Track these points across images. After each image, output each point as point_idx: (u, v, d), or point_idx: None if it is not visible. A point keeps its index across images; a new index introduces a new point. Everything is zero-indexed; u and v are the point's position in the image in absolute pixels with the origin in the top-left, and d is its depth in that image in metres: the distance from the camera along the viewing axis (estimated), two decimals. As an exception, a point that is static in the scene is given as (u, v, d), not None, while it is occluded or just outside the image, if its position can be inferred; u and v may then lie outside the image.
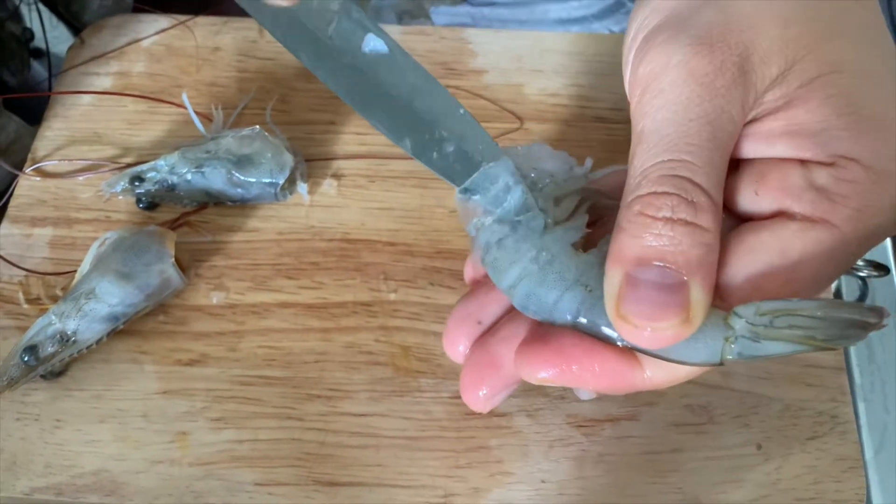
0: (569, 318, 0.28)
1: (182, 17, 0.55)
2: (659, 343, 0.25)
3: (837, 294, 0.49)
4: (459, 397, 0.42)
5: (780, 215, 0.27)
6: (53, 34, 0.56)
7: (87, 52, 0.54)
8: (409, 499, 0.40)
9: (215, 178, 0.46)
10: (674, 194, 0.25)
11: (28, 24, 0.56)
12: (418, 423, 0.42)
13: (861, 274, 0.48)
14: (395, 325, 0.45)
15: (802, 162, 0.26)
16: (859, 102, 0.25)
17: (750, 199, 0.28)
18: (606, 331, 0.27)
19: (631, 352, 0.27)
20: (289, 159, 0.46)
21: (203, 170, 0.46)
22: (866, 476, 0.41)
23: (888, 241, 0.49)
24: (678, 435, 0.42)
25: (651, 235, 0.25)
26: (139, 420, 0.42)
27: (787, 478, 0.41)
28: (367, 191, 0.49)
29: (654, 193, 0.25)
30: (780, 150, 0.27)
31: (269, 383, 0.43)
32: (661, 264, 0.25)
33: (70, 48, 0.55)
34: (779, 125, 0.27)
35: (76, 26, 0.57)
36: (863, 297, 0.48)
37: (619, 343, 0.27)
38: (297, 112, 0.52)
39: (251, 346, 0.44)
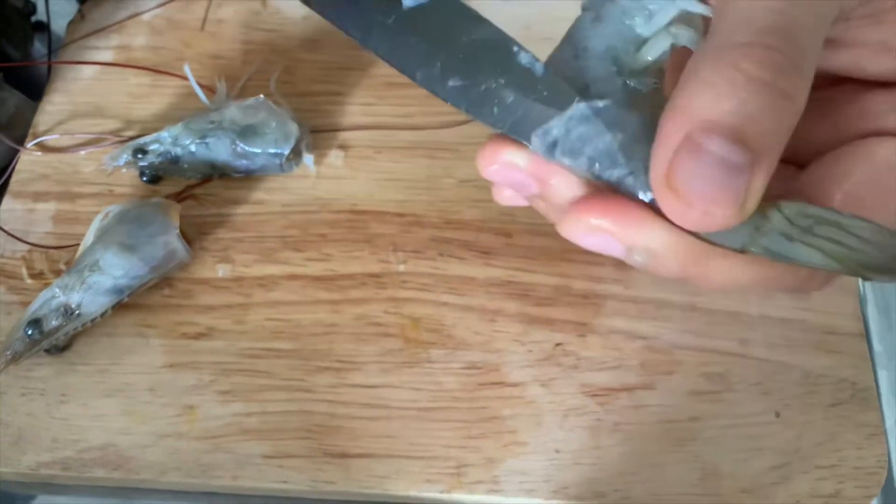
0: (590, 163, 0.24)
1: (184, -10, 0.54)
2: (703, 226, 0.21)
3: None
4: (471, 368, 0.41)
5: (874, 134, 0.24)
6: (55, 8, 0.55)
7: (87, 26, 0.53)
8: (421, 470, 0.39)
9: (219, 149, 0.45)
10: (782, 52, 0.21)
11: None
12: (430, 394, 0.41)
13: None
14: (404, 297, 0.44)
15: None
16: None
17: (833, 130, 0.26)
18: (637, 186, 0.23)
19: None
20: (294, 129, 0.45)
21: (207, 140, 0.45)
22: (887, 444, 0.40)
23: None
24: (696, 403, 0.41)
25: (738, 98, 0.21)
26: (146, 394, 0.41)
27: (807, 445, 0.40)
28: (374, 162, 0.48)
29: (760, 45, 0.21)
30: (873, 65, 0.25)
31: (277, 356, 0.42)
32: (735, 139, 0.21)
33: (70, 23, 0.54)
34: (872, 38, 0.24)
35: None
36: None
37: (645, 199, 0.23)
38: (301, 83, 0.51)
39: (259, 319, 0.43)
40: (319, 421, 0.41)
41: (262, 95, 0.46)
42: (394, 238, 0.45)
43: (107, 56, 0.52)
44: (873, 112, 0.24)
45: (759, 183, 0.21)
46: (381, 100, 0.50)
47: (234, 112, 0.46)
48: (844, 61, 0.25)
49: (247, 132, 0.45)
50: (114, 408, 0.41)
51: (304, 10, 0.53)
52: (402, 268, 0.45)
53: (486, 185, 0.29)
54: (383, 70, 0.50)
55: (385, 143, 0.48)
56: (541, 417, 0.41)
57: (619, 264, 0.44)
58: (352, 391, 0.41)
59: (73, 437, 0.40)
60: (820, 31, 0.22)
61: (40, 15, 0.56)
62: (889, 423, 0.43)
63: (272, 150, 0.45)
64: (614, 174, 0.24)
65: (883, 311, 0.46)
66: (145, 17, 0.54)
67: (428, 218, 0.46)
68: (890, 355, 0.45)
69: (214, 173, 0.46)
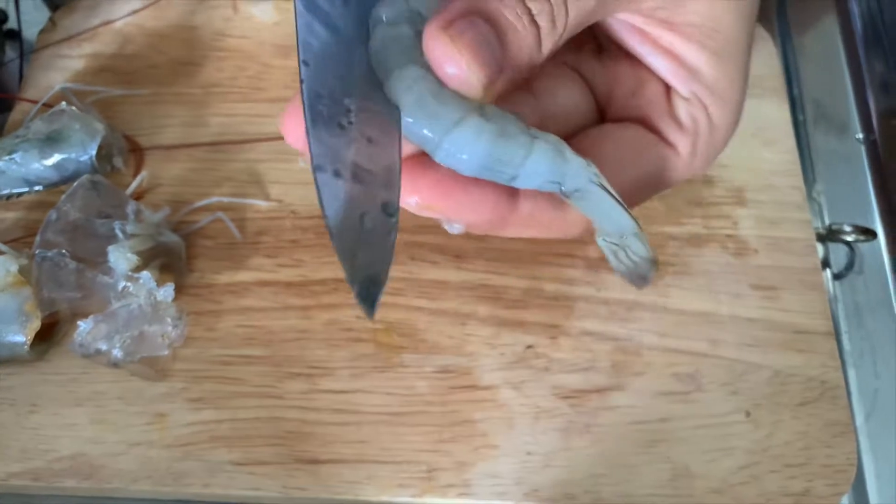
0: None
1: (155, -3, 0.54)
2: (449, 81, 0.25)
3: (825, 260, 0.48)
4: (443, 371, 0.41)
5: (642, 122, 0.30)
6: (26, 17, 0.55)
7: (58, 34, 0.53)
8: (392, 474, 0.39)
9: (28, 161, 0.45)
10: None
11: (1, 6, 0.55)
12: (401, 399, 0.41)
13: (848, 239, 0.47)
14: (376, 301, 0.44)
15: (667, 86, 0.30)
16: (722, 66, 0.30)
17: (626, 96, 0.31)
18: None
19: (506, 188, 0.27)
20: (99, 127, 0.45)
21: (14, 156, 0.45)
22: (857, 442, 0.41)
23: (875, 206, 0.48)
24: (666, 404, 0.41)
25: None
26: (116, 402, 0.41)
27: (777, 444, 0.40)
28: (345, 167, 0.48)
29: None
30: (658, 64, 0.30)
31: (248, 362, 0.42)
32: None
33: (41, 31, 0.54)
34: (665, 40, 0.29)
35: (52, 4, 0.56)
36: (851, 263, 0.48)
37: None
38: (273, 89, 0.51)
39: (229, 326, 0.43)
40: (290, 427, 0.41)
41: (63, 103, 0.46)
42: (365, 243, 0.45)
43: (78, 64, 0.52)
44: (655, 105, 0.30)
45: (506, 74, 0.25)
46: (352, 105, 0.50)
47: (38, 124, 0.45)
48: (635, 45, 0.30)
49: (52, 137, 0.45)
50: (84, 417, 0.41)
51: (275, 16, 0.53)
52: (373, 272, 0.45)
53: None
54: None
55: (357, 148, 0.48)
56: (512, 420, 0.41)
57: (590, 266, 0.44)
58: (323, 397, 0.41)
59: (43, 447, 0.40)
60: None
61: (12, 23, 0.56)
62: (859, 420, 0.44)
63: (79, 151, 0.45)
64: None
65: (852, 310, 0.47)
66: (117, 24, 0.54)
67: (400, 222, 0.46)
68: (859, 353, 0.45)
69: (31, 188, 0.46)
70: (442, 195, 0.26)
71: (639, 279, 0.30)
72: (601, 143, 0.30)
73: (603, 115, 0.32)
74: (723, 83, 0.30)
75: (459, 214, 0.27)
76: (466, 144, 0.25)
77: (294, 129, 0.26)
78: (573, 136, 0.30)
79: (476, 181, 0.26)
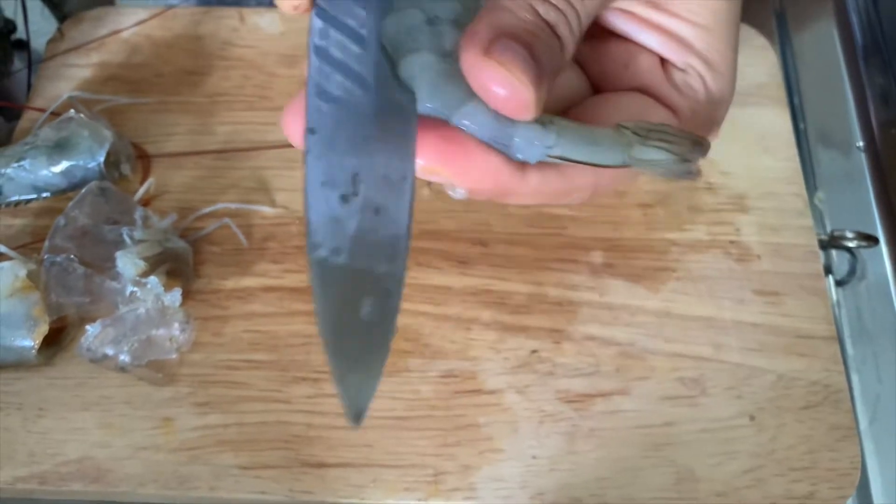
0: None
1: (162, 8, 0.55)
2: (503, 103, 0.25)
3: (828, 267, 0.48)
4: (447, 376, 0.42)
5: (640, 91, 0.31)
6: (35, 27, 0.55)
7: (66, 44, 0.54)
8: (398, 478, 0.40)
9: (37, 168, 0.45)
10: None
11: (10, 16, 0.56)
12: (406, 403, 0.41)
13: (850, 245, 0.47)
14: (381, 307, 0.44)
15: (661, 59, 0.31)
16: (712, 39, 0.31)
17: (620, 70, 0.32)
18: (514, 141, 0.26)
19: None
20: (108, 135, 0.46)
21: (23, 162, 0.45)
22: (861, 445, 0.41)
23: (875, 212, 0.48)
24: (670, 408, 0.41)
25: (530, 12, 0.26)
26: (123, 406, 0.41)
27: (781, 448, 0.40)
28: (351, 174, 0.48)
29: None
30: (649, 41, 0.31)
31: (254, 367, 0.42)
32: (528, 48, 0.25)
33: (49, 41, 0.54)
34: (653, 18, 0.31)
35: (60, 15, 0.57)
36: (853, 269, 0.48)
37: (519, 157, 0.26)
38: (279, 98, 0.51)
39: (236, 331, 0.43)
40: (296, 431, 0.41)
41: (72, 110, 0.47)
42: (371, 249, 0.46)
43: (86, 73, 0.53)
44: (652, 73, 0.31)
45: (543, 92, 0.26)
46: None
47: (47, 131, 0.46)
48: (623, 26, 0.31)
49: (61, 145, 0.45)
50: (91, 421, 0.41)
51: (280, 27, 0.54)
52: (379, 278, 0.45)
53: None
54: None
55: (362, 155, 0.49)
56: (517, 424, 0.41)
57: (594, 271, 0.45)
58: (328, 401, 0.41)
59: (50, 451, 0.40)
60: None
61: (20, 34, 0.56)
62: (863, 425, 0.44)
63: (87, 160, 0.45)
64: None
65: (854, 316, 0.47)
66: (124, 34, 0.54)
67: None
68: (862, 359, 0.46)
69: (39, 195, 0.46)
70: (445, 159, 0.26)
71: (685, 175, 0.28)
72: (603, 106, 0.30)
73: (597, 92, 0.33)
74: (714, 55, 0.31)
75: (463, 180, 0.27)
76: (413, 77, 0.25)
77: (296, 129, 0.26)
78: (571, 108, 0.31)
79: (483, 147, 0.26)
